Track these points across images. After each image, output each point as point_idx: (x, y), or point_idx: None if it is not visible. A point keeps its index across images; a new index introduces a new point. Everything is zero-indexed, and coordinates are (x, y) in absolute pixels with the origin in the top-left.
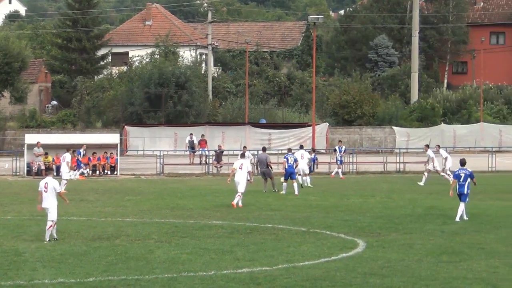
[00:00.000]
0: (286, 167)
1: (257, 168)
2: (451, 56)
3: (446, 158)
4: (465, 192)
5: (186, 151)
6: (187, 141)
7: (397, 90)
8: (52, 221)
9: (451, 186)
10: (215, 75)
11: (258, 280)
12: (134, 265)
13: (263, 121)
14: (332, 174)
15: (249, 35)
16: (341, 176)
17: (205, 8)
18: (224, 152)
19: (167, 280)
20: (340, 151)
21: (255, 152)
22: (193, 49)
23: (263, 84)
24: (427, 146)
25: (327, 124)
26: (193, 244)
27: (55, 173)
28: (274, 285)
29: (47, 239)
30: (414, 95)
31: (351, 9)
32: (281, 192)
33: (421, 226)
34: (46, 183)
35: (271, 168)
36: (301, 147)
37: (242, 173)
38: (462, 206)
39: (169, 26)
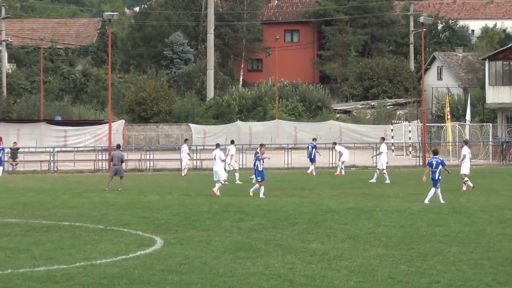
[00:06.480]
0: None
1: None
2: (246, 53)
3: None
4: (437, 177)
5: None
6: None
7: (193, 87)
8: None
9: (424, 172)
10: (10, 71)
11: (55, 278)
12: None
13: (58, 118)
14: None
15: (43, 32)
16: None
17: None
18: (20, 150)
19: None
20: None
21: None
22: None
23: (58, 81)
24: (383, 138)
25: (123, 121)
26: None
27: None
28: (71, 283)
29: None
30: (210, 92)
31: (146, 6)
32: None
33: (218, 223)
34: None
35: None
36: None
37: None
38: (433, 190)
39: None
